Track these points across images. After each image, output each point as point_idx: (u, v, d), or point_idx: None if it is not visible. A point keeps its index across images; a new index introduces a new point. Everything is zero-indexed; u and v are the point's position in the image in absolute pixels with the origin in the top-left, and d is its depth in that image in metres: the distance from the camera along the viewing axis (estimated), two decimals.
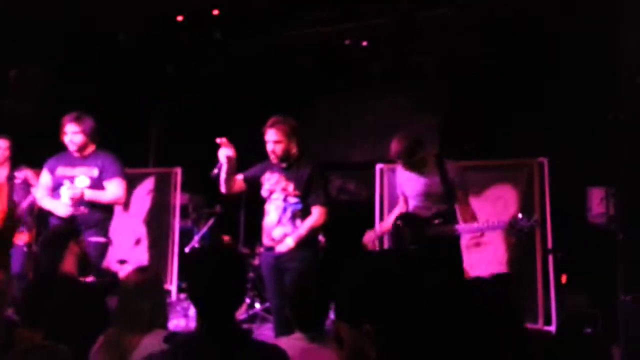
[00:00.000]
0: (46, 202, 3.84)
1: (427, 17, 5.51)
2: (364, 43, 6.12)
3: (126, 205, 6.08)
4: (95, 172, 3.82)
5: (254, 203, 6.42)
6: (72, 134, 3.79)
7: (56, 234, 2.97)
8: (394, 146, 3.50)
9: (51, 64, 5.76)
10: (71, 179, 3.77)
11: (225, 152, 3.41)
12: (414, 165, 3.53)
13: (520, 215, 3.44)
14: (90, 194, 3.73)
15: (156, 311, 2.19)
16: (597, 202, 4.76)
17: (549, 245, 4.68)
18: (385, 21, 5.65)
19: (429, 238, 3.43)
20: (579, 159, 4.92)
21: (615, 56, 3.56)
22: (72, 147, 3.82)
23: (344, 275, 0.98)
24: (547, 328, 4.61)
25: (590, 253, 4.66)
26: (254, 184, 3.63)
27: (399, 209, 3.84)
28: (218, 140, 3.42)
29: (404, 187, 3.71)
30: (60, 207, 3.72)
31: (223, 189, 3.56)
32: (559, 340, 4.48)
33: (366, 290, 0.93)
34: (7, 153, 4.48)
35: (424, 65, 6.54)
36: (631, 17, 3.41)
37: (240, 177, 3.65)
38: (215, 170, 3.44)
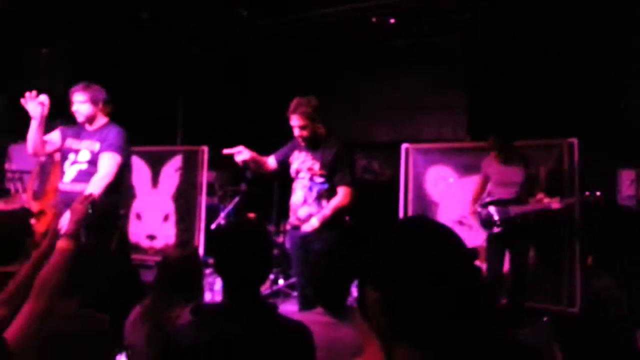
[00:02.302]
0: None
1: None
2: (392, 20, 6.03)
3: (154, 182, 6.23)
4: (97, 146, 3.52)
5: (279, 181, 6.53)
6: (79, 104, 3.54)
7: (102, 219, 2.93)
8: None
9: (79, 45, 5.83)
10: (76, 152, 3.55)
11: (240, 158, 3.41)
12: (507, 156, 4.15)
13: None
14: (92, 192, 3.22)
15: (194, 286, 2.26)
16: (628, 184, 4.67)
17: (577, 225, 4.62)
18: None
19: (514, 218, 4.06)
20: (609, 140, 4.82)
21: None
22: (79, 118, 3.57)
23: (377, 244, 0.99)
24: (570, 309, 4.58)
25: (619, 235, 4.59)
26: (285, 164, 3.65)
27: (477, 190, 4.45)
28: (225, 152, 3.42)
29: (491, 173, 4.30)
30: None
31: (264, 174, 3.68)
32: (583, 321, 4.45)
33: (394, 259, 0.94)
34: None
35: (448, 43, 6.44)
36: None
37: (272, 159, 3.68)
38: (248, 174, 3.51)
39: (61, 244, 1.92)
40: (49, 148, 3.65)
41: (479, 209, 4.28)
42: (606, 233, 4.65)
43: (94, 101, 3.56)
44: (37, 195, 4.75)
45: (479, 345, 0.92)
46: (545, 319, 4.28)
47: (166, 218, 6.09)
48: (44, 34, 5.66)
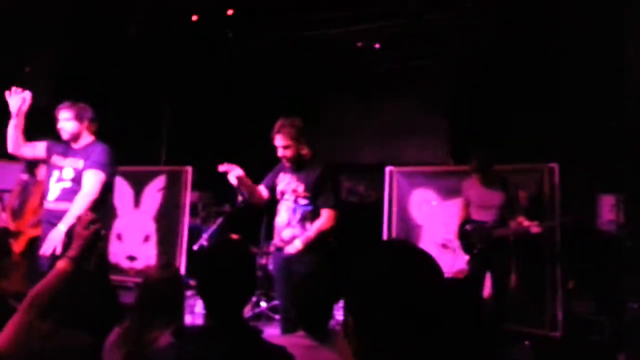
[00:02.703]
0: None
1: (435, 19, 5.52)
2: (377, 45, 6.13)
3: (137, 202, 6.15)
4: (80, 163, 3.46)
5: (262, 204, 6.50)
6: (64, 121, 3.49)
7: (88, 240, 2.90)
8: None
9: (62, 61, 5.79)
10: (60, 169, 3.49)
11: (234, 175, 3.37)
12: (487, 179, 4.26)
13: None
14: (77, 212, 3.16)
15: (175, 308, 2.23)
16: (608, 209, 4.74)
17: (557, 250, 4.66)
18: (393, 23, 5.66)
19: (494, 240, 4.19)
20: (590, 165, 4.90)
21: (620, 64, 3.58)
22: (64, 136, 3.52)
23: (355, 269, 0.98)
24: (552, 334, 4.59)
25: (599, 260, 4.64)
26: (274, 189, 3.62)
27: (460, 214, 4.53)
28: (220, 168, 3.38)
29: (471, 196, 4.40)
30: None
31: (254, 204, 3.61)
32: (565, 346, 4.47)
33: (373, 284, 0.93)
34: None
35: (432, 68, 6.55)
36: (635, 26, 3.43)
37: (262, 188, 3.64)
38: (240, 198, 3.46)
39: (61, 264, 1.93)
40: (28, 152, 3.60)
41: (460, 231, 4.39)
42: (587, 258, 4.70)
43: (79, 118, 3.52)
44: (16, 215, 4.66)
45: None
46: (526, 342, 4.29)
47: (147, 239, 6.00)
48: (28, 47, 5.61)
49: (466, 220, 4.40)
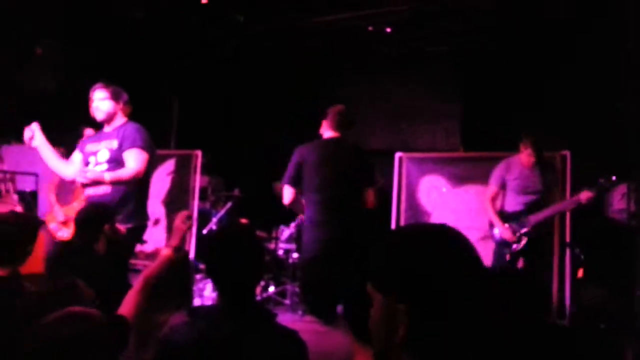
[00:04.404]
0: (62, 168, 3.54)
1: (448, 2, 5.44)
2: (388, 30, 6.04)
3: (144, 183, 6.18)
4: (115, 143, 3.39)
5: (271, 189, 6.50)
6: (99, 101, 3.42)
7: (90, 216, 2.92)
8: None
9: (70, 44, 5.78)
10: (95, 154, 3.44)
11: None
12: (536, 162, 3.97)
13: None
14: (110, 177, 3.28)
15: (185, 291, 2.26)
16: (619, 198, 4.69)
17: (567, 239, 4.63)
18: (404, 7, 5.58)
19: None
20: (601, 153, 4.84)
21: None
22: (98, 116, 3.43)
23: (382, 245, 0.96)
24: (560, 322, 4.57)
25: (609, 248, 4.60)
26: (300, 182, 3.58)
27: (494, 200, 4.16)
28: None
29: (511, 181, 4.03)
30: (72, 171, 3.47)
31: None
32: (572, 334, 4.45)
33: (404, 262, 0.91)
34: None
35: (442, 53, 6.47)
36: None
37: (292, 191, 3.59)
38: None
39: (165, 252, 2.17)
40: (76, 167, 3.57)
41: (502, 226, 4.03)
42: (597, 246, 4.66)
43: (115, 98, 3.47)
44: (65, 201, 4.80)
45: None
46: None
47: (156, 222, 6.03)
48: (34, 32, 5.60)
49: (501, 211, 4.09)
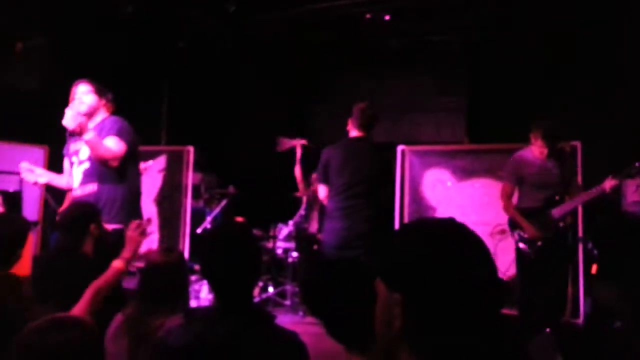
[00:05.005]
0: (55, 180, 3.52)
1: None
2: (387, 17, 5.84)
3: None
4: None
5: (268, 185, 6.32)
6: (83, 94, 3.29)
7: (75, 216, 2.79)
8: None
9: (58, 41, 5.57)
10: (76, 153, 3.33)
11: None
12: (550, 154, 3.65)
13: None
14: (90, 138, 3.06)
15: (180, 294, 2.20)
16: (633, 190, 4.56)
17: (580, 233, 4.46)
18: None
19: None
20: (614, 144, 4.70)
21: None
22: (82, 109, 3.22)
23: (403, 244, 0.94)
24: (574, 320, 4.42)
25: (623, 243, 4.44)
26: None
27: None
28: None
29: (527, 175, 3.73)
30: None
31: None
32: (587, 333, 4.31)
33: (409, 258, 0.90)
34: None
35: (447, 44, 6.33)
36: None
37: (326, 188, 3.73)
38: None
39: (117, 264, 2.16)
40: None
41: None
42: (611, 240, 4.50)
43: (99, 93, 3.35)
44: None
45: (493, 356, 0.89)
46: (547, 330, 4.11)
47: (148, 221, 5.80)
48: (19, 27, 5.39)
49: (519, 208, 3.79)
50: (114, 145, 3.16)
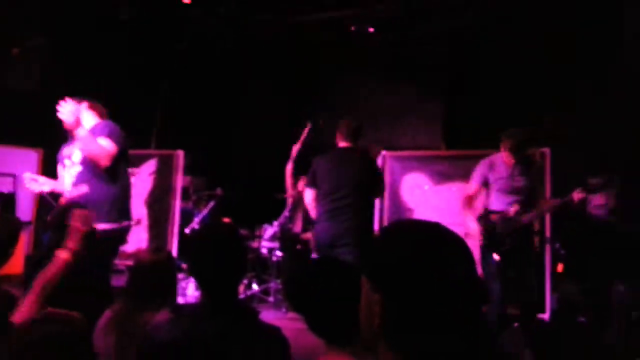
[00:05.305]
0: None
1: (431, 3, 5.48)
2: (371, 29, 6.06)
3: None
4: None
5: (253, 186, 6.48)
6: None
7: (63, 218, 2.82)
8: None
9: (56, 42, 5.69)
10: (69, 156, 3.41)
11: None
12: (518, 161, 3.79)
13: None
14: (83, 136, 3.14)
15: (168, 291, 2.24)
16: (596, 194, 4.75)
17: (547, 234, 4.69)
18: (387, 6, 5.61)
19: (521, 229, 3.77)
20: (580, 149, 4.92)
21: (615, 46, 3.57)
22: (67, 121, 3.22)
23: (386, 245, 0.97)
24: (541, 316, 4.64)
25: (587, 243, 4.68)
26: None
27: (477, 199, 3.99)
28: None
29: (494, 180, 3.87)
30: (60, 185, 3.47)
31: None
32: (553, 327, 4.52)
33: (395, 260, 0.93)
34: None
35: (427, 53, 6.51)
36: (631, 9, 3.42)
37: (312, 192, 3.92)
38: None
39: (62, 255, 2.07)
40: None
41: (483, 223, 3.86)
42: (576, 241, 4.74)
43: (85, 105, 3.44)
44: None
45: (468, 355, 0.91)
46: (515, 324, 4.33)
47: (138, 222, 5.98)
48: (18, 28, 5.50)
49: (487, 210, 3.89)
50: (105, 144, 3.23)
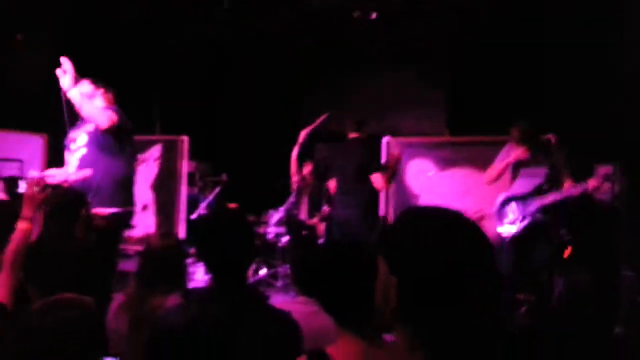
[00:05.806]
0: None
1: None
2: (373, 15, 6.02)
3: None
4: (91, 126, 3.34)
5: (260, 173, 6.50)
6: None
7: (66, 201, 2.79)
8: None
9: (55, 33, 5.67)
10: (74, 140, 3.40)
11: None
12: (532, 148, 3.91)
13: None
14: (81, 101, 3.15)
15: (177, 275, 2.27)
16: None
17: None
18: None
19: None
20: (586, 135, 4.92)
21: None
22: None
23: (403, 231, 0.98)
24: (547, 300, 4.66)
25: (595, 229, 4.70)
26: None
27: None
28: None
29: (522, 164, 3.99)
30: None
31: None
32: (560, 315, 4.55)
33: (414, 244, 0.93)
34: None
35: (430, 40, 6.49)
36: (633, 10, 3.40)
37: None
38: None
39: (21, 225, 2.14)
40: None
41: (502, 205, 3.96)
42: (584, 227, 4.75)
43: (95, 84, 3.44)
44: None
45: (481, 338, 0.91)
46: (523, 309, 4.37)
47: (145, 208, 6.00)
48: (21, 22, 5.48)
49: (508, 197, 4.00)
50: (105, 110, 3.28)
